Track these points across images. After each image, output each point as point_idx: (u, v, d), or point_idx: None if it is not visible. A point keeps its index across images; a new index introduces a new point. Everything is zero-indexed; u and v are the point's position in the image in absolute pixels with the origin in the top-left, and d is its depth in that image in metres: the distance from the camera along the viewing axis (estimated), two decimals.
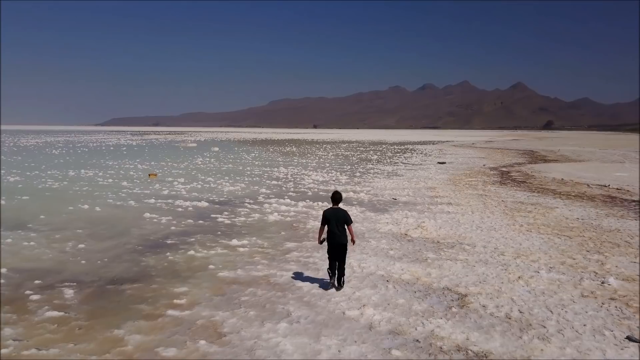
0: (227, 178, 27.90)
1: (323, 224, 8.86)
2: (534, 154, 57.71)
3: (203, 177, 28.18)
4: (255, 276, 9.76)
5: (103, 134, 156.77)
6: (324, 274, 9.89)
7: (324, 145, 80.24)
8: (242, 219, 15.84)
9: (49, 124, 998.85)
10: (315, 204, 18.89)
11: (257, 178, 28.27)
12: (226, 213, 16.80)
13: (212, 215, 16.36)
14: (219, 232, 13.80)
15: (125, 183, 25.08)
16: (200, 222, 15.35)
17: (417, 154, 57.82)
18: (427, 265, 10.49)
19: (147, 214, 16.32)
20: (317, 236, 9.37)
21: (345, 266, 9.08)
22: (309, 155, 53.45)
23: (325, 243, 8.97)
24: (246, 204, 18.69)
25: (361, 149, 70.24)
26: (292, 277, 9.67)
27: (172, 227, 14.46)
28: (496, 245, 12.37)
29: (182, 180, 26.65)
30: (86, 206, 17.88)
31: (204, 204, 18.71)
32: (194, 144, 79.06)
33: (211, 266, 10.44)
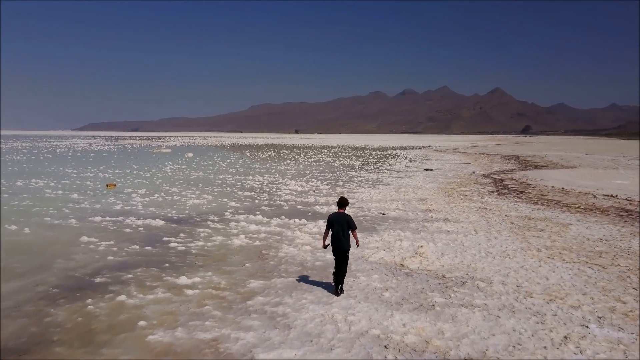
0: (194, 189, 24.90)
1: (328, 227, 8.95)
2: (521, 159, 55.81)
3: (167, 188, 25.15)
4: (200, 341, 6.94)
5: (76, 139, 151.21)
6: (296, 333, 7.16)
7: (305, 151, 77.46)
8: (200, 243, 12.95)
9: (23, 129, 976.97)
10: (292, 221, 16.08)
11: (228, 188, 25.34)
12: (182, 235, 13.89)
13: (165, 239, 13.44)
14: (167, 265, 10.90)
15: (75, 195, 21.94)
16: (148, 248, 12.43)
17: (401, 159, 55.45)
18: (436, 317, 7.80)
19: (85, 238, 13.32)
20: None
21: (346, 271, 9.04)
22: (288, 161, 50.60)
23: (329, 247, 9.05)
24: (209, 223, 15.80)
25: (343, 154, 67.65)
26: (252, 343, 6.87)
27: (110, 257, 11.51)
28: (517, 280, 9.75)
29: (142, 191, 23.59)
30: (14, 227, 14.81)
31: (159, 222, 15.77)
32: (168, 150, 75.47)
33: (142, 322, 7.57)
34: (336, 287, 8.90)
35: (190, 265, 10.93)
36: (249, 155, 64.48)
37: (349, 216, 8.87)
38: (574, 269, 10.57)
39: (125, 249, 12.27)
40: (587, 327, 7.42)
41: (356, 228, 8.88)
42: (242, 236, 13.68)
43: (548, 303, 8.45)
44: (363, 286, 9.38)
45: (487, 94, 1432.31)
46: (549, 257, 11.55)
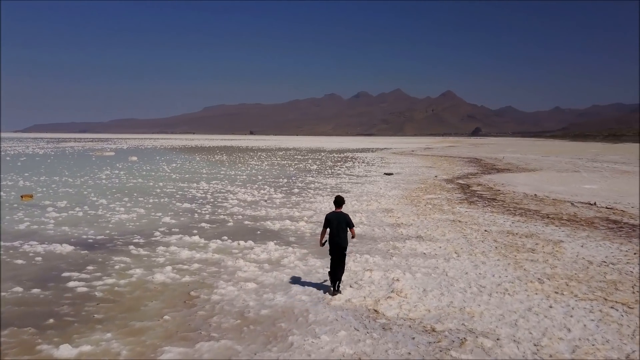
0: (125, 200, 21.43)
1: (325, 227, 9.11)
2: (480, 162, 54.75)
3: (94, 199, 21.56)
4: None
5: (14, 142, 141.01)
6: None
7: (259, 153, 74.17)
8: (111, 281, 9.84)
9: None
10: (235, 243, 13.14)
11: (166, 199, 22.03)
12: (90, 268, 10.71)
13: (65, 274, 10.23)
14: (51, 321, 7.78)
15: None
16: (35, 291, 9.22)
17: (358, 162, 53.24)
18: None
19: None
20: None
21: (344, 270, 9.16)
22: (239, 165, 47.34)
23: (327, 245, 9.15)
24: (131, 247, 12.64)
25: (299, 157, 64.88)
26: None
27: None
28: (532, 334, 7.26)
29: (62, 204, 19.96)
30: None
31: (66, 248, 12.47)
32: (112, 153, 70.40)
33: None
34: (333, 285, 9.00)
35: (85, 320, 7.85)
36: (198, 158, 60.66)
37: (347, 215, 9.12)
38: (594, 311, 8.22)
39: (2, 294, 9.02)
40: None
41: (354, 225, 9.23)
42: (169, 268, 10.64)
43: None
44: (326, 353, 6.64)
45: (438, 97, 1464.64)
46: (556, 292, 9.19)
